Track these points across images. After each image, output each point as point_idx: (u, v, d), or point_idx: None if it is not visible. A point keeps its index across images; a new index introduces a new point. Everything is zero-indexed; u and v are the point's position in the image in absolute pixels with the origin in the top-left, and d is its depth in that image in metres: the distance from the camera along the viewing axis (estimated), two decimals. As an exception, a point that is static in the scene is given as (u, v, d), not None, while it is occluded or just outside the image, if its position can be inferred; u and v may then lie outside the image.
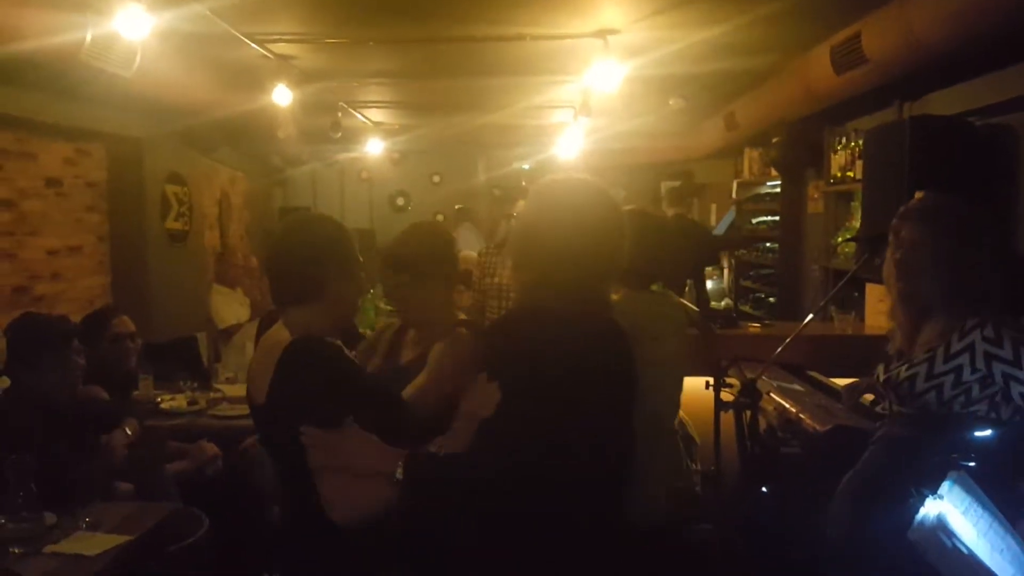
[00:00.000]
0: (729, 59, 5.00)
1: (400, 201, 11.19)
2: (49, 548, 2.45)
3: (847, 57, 3.96)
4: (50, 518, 2.57)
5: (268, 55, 4.87)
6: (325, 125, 6.88)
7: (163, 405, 4.06)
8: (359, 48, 5.00)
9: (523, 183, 10.32)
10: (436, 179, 11.20)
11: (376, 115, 8.04)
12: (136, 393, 4.04)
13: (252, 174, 9.02)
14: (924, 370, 2.29)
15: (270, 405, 1.85)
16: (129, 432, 3.26)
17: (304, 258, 1.90)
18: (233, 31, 4.31)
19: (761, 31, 4.30)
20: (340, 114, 6.81)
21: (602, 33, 4.26)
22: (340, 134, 6.86)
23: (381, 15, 4.28)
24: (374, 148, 8.96)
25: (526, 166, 10.48)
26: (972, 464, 2.12)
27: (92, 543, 2.49)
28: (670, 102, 6.24)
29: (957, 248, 2.32)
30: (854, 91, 4.27)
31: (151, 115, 5.68)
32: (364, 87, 6.52)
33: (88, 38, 3.57)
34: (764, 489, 3.20)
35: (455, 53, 5.03)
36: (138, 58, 3.90)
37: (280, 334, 1.90)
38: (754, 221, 7.84)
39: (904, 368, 2.37)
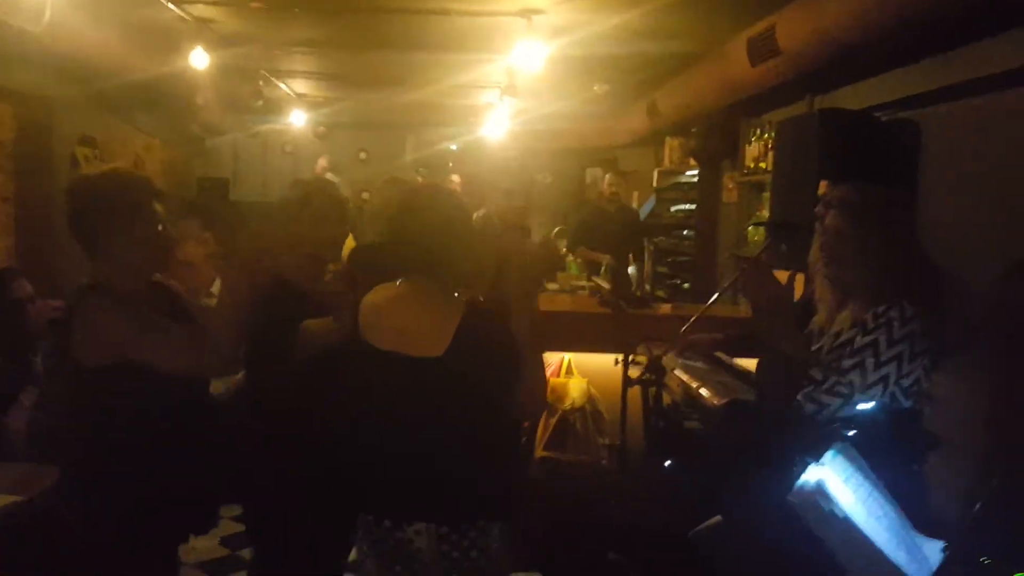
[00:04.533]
0: (650, 43, 5.08)
1: (330, 177, 11.03)
2: (-66, 509, 2.37)
3: (762, 49, 4.07)
4: (-64, 478, 2.48)
5: (186, 16, 4.74)
6: (246, 93, 6.74)
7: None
8: (282, 14, 4.91)
9: (450, 164, 10.31)
10: (363, 156, 11.07)
11: (300, 86, 7.90)
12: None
13: (170, 142, 8.76)
14: (848, 349, 2.36)
15: None
16: (27, 404, 3.16)
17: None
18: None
19: (681, 17, 4.38)
20: (261, 83, 6.67)
21: (526, 12, 4.29)
22: (261, 103, 6.73)
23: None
24: (298, 120, 8.80)
25: (453, 147, 10.46)
26: (854, 434, 2.23)
27: (-20, 504, 2.42)
28: (595, 87, 6.31)
29: (877, 235, 2.41)
30: (768, 83, 4.40)
31: (63, 74, 5.46)
32: (288, 56, 6.40)
33: (-7, -12, 3.43)
34: (667, 463, 3.29)
35: (381, 25, 4.98)
36: (47, 12, 3.76)
37: None
38: (673, 209, 7.99)
39: (819, 343, 2.47)
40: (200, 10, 4.76)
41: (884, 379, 2.27)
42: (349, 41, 5.66)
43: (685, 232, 7.55)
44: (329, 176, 10.34)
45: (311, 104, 8.66)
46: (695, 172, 7.26)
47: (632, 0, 4.13)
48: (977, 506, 2.31)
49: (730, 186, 6.36)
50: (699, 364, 3.82)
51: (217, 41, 5.14)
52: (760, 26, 4.09)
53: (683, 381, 3.55)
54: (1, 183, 5.56)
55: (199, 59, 4.97)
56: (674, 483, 3.20)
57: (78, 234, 2.19)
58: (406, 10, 4.53)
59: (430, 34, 5.06)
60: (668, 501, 3.30)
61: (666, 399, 3.49)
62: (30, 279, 3.99)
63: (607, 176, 6.92)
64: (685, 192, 7.82)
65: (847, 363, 2.29)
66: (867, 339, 2.29)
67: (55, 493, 2.46)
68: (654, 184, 8.44)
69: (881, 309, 2.29)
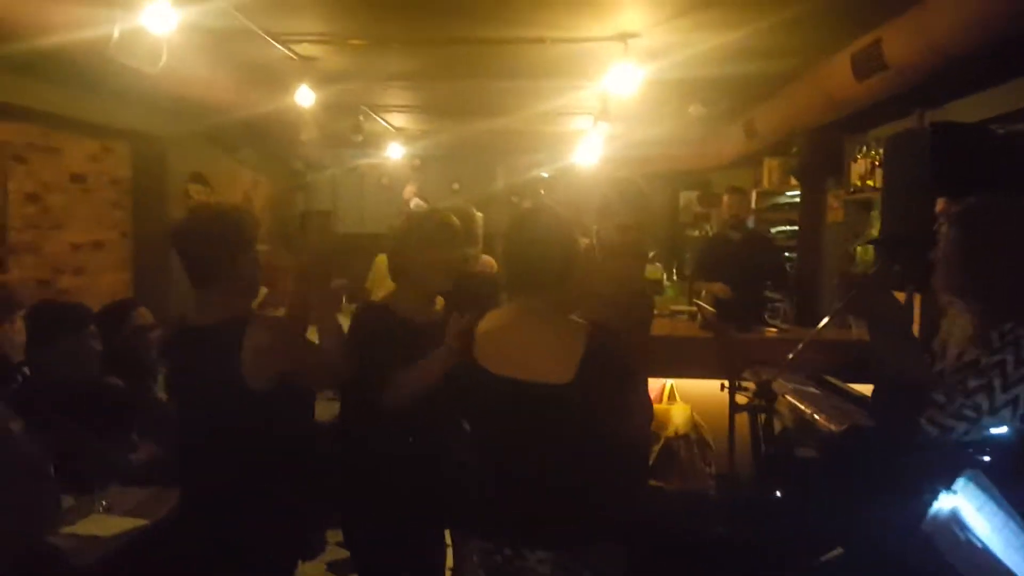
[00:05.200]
0: (748, 64, 5.00)
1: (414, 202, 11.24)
2: (66, 529, 2.47)
3: (868, 63, 3.95)
4: (67, 500, 2.59)
5: (292, 55, 4.92)
6: (346, 129, 6.94)
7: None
8: (381, 49, 5.05)
9: (541, 191, 10.36)
10: (455, 187, 11.23)
11: (397, 119, 8.09)
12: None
13: (274, 177, 9.10)
14: (973, 369, 2.25)
15: None
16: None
17: None
18: (257, 30, 4.37)
19: (781, 36, 4.30)
20: (362, 117, 6.86)
21: (622, 36, 4.28)
22: (362, 137, 6.92)
23: (402, 15, 4.32)
24: (394, 153, 9.01)
25: (545, 174, 10.51)
26: (987, 459, 2.10)
27: (107, 525, 2.52)
28: (689, 109, 6.23)
29: (1001, 249, 2.29)
30: (875, 98, 4.26)
31: (175, 113, 5.75)
32: (385, 90, 6.57)
33: (116, 33, 3.62)
34: (779, 492, 3.18)
35: (475, 55, 5.06)
36: (164, 55, 3.96)
37: None
38: (774, 231, 7.81)
39: (950, 364, 2.36)
40: (305, 49, 4.94)
41: (1014, 401, 2.14)
42: (444, 72, 5.77)
43: (787, 253, 7.35)
44: (416, 202, 10.55)
45: (407, 137, 8.87)
46: (796, 192, 7.09)
47: (730, 21, 4.08)
48: None
49: (835, 205, 6.17)
50: (811, 389, 3.70)
51: (320, 78, 5.32)
52: (865, 40, 3.97)
53: (795, 406, 3.44)
54: (119, 219, 5.87)
55: (305, 97, 5.15)
56: (787, 513, 3.08)
57: (200, 262, 2.34)
58: (502, 40, 4.59)
59: (524, 63, 5.11)
60: (780, 532, 3.18)
61: (776, 425, 3.38)
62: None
63: (724, 197, 5.98)
64: (786, 213, 7.64)
65: (973, 383, 2.17)
66: (994, 359, 2.16)
67: (176, 517, 2.56)
68: (752, 205, 8.27)
69: (1008, 327, 2.17)
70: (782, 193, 7.69)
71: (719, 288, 5.52)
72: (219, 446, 2.33)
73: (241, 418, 2.28)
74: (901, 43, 3.66)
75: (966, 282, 2.32)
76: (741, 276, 5.44)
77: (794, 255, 7.02)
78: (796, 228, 7.03)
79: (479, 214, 3.94)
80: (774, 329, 4.70)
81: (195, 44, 4.53)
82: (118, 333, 3.83)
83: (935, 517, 1.79)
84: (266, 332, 2.26)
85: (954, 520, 1.77)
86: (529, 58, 4.97)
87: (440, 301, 2.68)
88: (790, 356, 3.54)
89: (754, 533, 3.42)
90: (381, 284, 4.80)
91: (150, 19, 3.47)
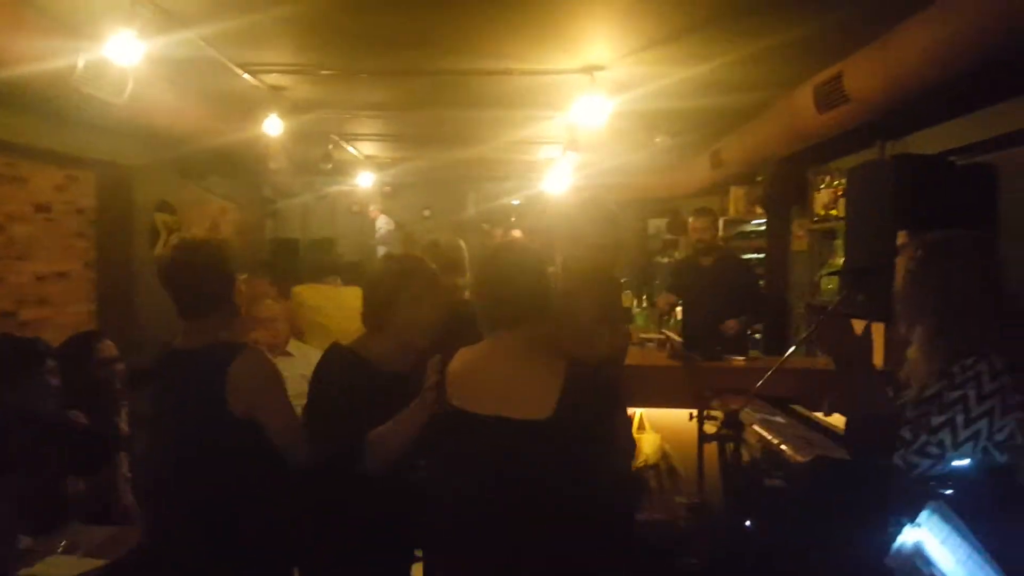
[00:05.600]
0: (714, 96, 5.07)
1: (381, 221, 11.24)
2: (23, 572, 2.41)
3: (829, 96, 4.03)
4: (25, 541, 2.54)
5: (260, 85, 4.92)
6: (316, 157, 6.93)
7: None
8: (350, 80, 5.06)
9: (512, 218, 10.40)
10: (427, 213, 11.26)
11: (367, 148, 8.10)
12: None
13: (243, 205, 9.05)
14: (935, 404, 2.27)
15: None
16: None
17: None
18: (225, 61, 4.36)
19: (746, 70, 4.38)
20: (331, 146, 6.86)
21: (588, 69, 4.33)
22: (331, 166, 6.92)
23: (372, 47, 4.34)
24: (365, 181, 9.02)
25: (516, 201, 10.57)
26: (950, 492, 2.13)
27: (66, 567, 2.46)
28: (656, 139, 6.31)
29: (959, 282, 2.33)
30: (837, 129, 4.34)
31: (142, 142, 5.71)
32: (355, 119, 6.58)
33: (80, 64, 3.60)
34: (747, 523, 3.19)
35: (444, 85, 5.09)
36: (130, 85, 3.93)
37: None
38: (744, 256, 7.89)
39: (903, 397, 2.38)
40: (274, 79, 4.94)
41: (976, 435, 2.17)
42: (413, 102, 5.80)
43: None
44: (383, 221, 10.54)
45: (378, 165, 8.87)
46: (761, 221, 7.18)
47: (696, 55, 4.14)
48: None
49: (799, 234, 6.26)
50: (778, 418, 3.72)
51: (290, 107, 5.32)
52: (827, 74, 4.05)
53: (762, 436, 3.46)
54: (83, 249, 5.79)
55: (273, 126, 5.14)
56: (756, 544, 3.09)
57: (191, 293, 2.41)
58: (470, 71, 4.62)
59: (493, 93, 5.15)
60: (750, 562, 3.19)
61: (745, 455, 3.40)
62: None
63: (690, 220, 5.72)
64: (752, 240, 7.73)
65: (936, 421, 2.20)
66: (956, 394, 2.19)
67: (139, 555, 2.51)
68: (720, 233, 8.36)
69: (969, 362, 2.20)
70: (748, 221, 7.79)
71: (664, 299, 5.51)
72: (197, 472, 2.32)
73: (220, 442, 2.29)
74: (861, 77, 3.74)
75: (927, 315, 2.36)
76: (714, 300, 5.26)
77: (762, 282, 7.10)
78: (762, 256, 7.11)
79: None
80: (741, 359, 4.73)
81: (162, 74, 4.51)
82: (82, 366, 3.77)
83: (899, 551, 1.81)
84: (256, 362, 2.33)
85: (917, 554, 1.79)
86: (498, 88, 5.02)
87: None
88: (758, 384, 3.59)
89: (725, 563, 3.43)
90: (308, 321, 4.72)
91: (115, 50, 3.45)
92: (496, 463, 2.00)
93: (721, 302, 5.24)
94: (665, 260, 9.98)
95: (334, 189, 10.09)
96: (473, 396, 2.06)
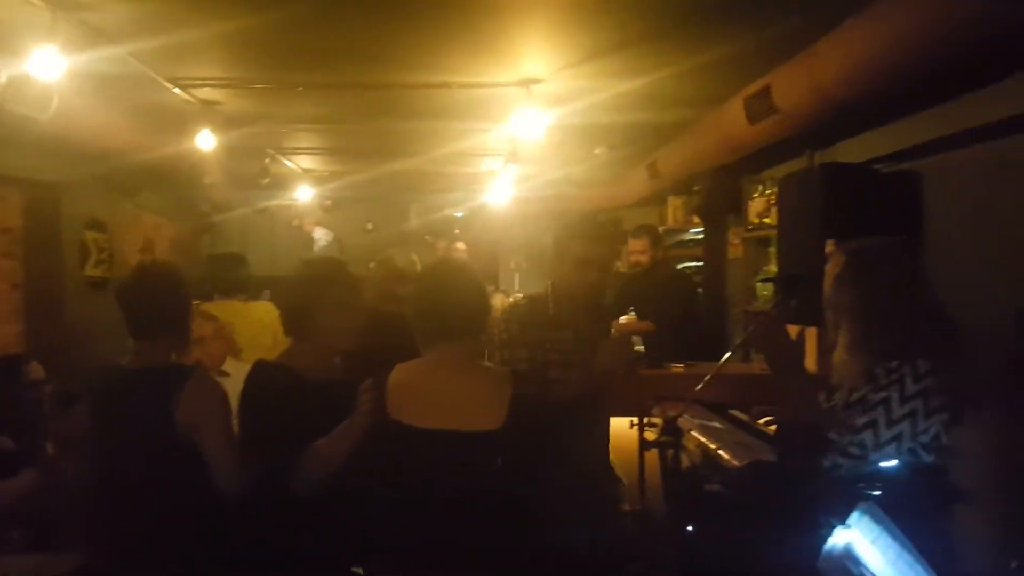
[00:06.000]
0: (651, 110, 5.15)
1: (336, 248, 11.12)
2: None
3: (759, 108, 4.12)
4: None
5: (192, 99, 4.84)
6: (254, 171, 6.84)
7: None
8: (285, 93, 5.01)
9: (456, 230, 10.39)
10: (369, 226, 11.18)
11: (306, 161, 8.02)
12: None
13: (178, 221, 8.87)
14: (861, 406, 2.33)
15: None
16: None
17: None
18: (155, 75, 4.28)
19: (680, 83, 4.45)
20: (268, 160, 6.78)
21: (525, 82, 4.36)
22: (268, 180, 6.83)
23: (307, 60, 4.30)
24: (304, 195, 8.92)
25: (459, 213, 10.56)
26: (878, 493, 2.18)
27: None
28: (596, 151, 6.38)
29: (884, 288, 2.40)
30: (767, 140, 4.44)
31: (69, 159, 5.56)
32: (293, 133, 6.51)
33: (3, 80, 3.50)
34: (689, 527, 3.23)
35: (382, 99, 5.08)
36: (55, 101, 3.83)
37: None
38: (679, 267, 8.01)
39: (832, 400, 2.44)
40: (206, 93, 4.86)
41: (898, 437, 2.24)
42: (351, 115, 5.76)
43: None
44: (321, 234, 10.43)
45: (317, 178, 8.79)
46: (699, 230, 7.29)
47: (631, 69, 4.20)
48: (1015, 564, 2.26)
49: (735, 242, 6.38)
50: (716, 424, 3.78)
51: (223, 122, 5.24)
52: (756, 86, 4.15)
53: (701, 442, 3.51)
54: (10, 269, 5.61)
55: (206, 141, 5.05)
56: (697, 548, 3.13)
57: (145, 316, 2.44)
58: (407, 84, 4.61)
59: (433, 105, 5.15)
60: (692, 567, 3.23)
61: (684, 461, 3.44)
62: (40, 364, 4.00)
63: (629, 240, 5.77)
64: (690, 249, 7.85)
65: (859, 421, 2.26)
66: (879, 396, 2.26)
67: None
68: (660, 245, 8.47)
69: (894, 365, 2.27)
70: (686, 230, 7.91)
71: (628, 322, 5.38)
72: (142, 494, 2.29)
73: (167, 463, 2.27)
74: (788, 89, 3.84)
75: (853, 320, 2.43)
76: (656, 313, 5.32)
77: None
78: (701, 264, 7.23)
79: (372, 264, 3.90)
80: (680, 366, 4.80)
81: (89, 89, 4.40)
82: (8, 389, 3.67)
83: (830, 552, 1.85)
84: (207, 386, 2.35)
85: (847, 555, 1.83)
86: (436, 101, 5.01)
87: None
88: (697, 388, 3.64)
89: (668, 568, 3.46)
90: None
91: (38, 66, 3.36)
92: (444, 476, 2.01)
93: (663, 315, 5.36)
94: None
95: (274, 203, 9.95)
96: (417, 410, 2.06)
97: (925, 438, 2.27)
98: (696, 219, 7.17)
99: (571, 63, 4.11)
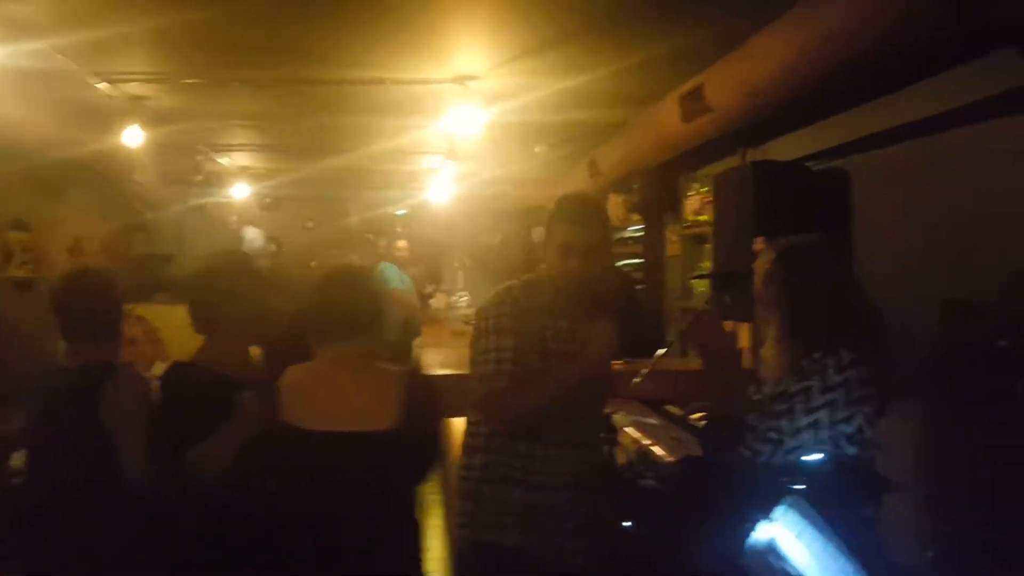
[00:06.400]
0: (589, 108, 5.17)
1: (272, 247, 10.92)
2: None
3: (692, 106, 4.16)
4: None
5: (118, 94, 4.70)
6: (186, 168, 6.69)
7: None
8: (217, 89, 4.90)
9: (398, 228, 10.30)
10: (310, 224, 11.01)
11: (242, 159, 7.87)
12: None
13: (109, 219, 8.61)
14: (778, 397, 2.36)
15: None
16: None
17: None
18: (79, 70, 4.15)
19: (617, 82, 4.48)
20: (201, 157, 6.62)
21: (461, 79, 4.33)
22: (201, 177, 6.67)
23: (238, 56, 4.22)
24: (241, 193, 8.75)
25: (401, 211, 10.48)
26: (803, 488, 2.21)
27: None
28: (536, 149, 6.38)
29: (810, 283, 2.43)
30: (701, 138, 4.49)
31: (-10, 156, 5.36)
32: (227, 129, 6.38)
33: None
34: (627, 523, 3.24)
35: (317, 94, 5.00)
36: (-28, 95, 3.69)
37: None
38: (621, 263, 8.04)
39: (760, 393, 2.47)
40: (134, 88, 4.73)
41: (814, 425, 2.27)
42: (287, 112, 5.67)
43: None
44: (252, 231, 10.26)
45: (254, 176, 8.63)
46: (639, 227, 7.34)
47: (567, 66, 4.21)
48: (930, 554, 2.31)
49: (673, 239, 6.44)
50: (652, 420, 3.81)
51: (152, 118, 5.09)
52: (690, 84, 4.18)
53: (636, 439, 3.54)
54: (-72, 271, 5.39)
55: (133, 137, 4.91)
56: (635, 544, 3.14)
57: (79, 318, 2.45)
58: (339, 80, 4.55)
59: (368, 101, 5.08)
60: (630, 562, 3.24)
61: (621, 457, 3.46)
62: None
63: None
64: (631, 246, 7.89)
65: (778, 408, 2.30)
66: (800, 385, 2.30)
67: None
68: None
69: (817, 356, 2.31)
70: (626, 228, 7.95)
71: None
72: (75, 497, 2.24)
73: (97, 464, 2.22)
74: (721, 87, 3.88)
75: (780, 315, 2.47)
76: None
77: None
78: (641, 261, 7.27)
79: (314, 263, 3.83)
80: (620, 362, 4.81)
81: (10, 84, 4.24)
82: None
83: (752, 548, 1.86)
84: (130, 383, 2.33)
85: (770, 550, 1.84)
86: (373, 97, 4.96)
87: (256, 352, 2.56)
88: (632, 384, 3.66)
89: (606, 563, 3.47)
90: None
91: (-50, 58, 3.22)
92: (338, 477, 1.99)
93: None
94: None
95: (210, 201, 9.73)
96: (309, 412, 2.05)
97: (848, 429, 2.31)
98: (636, 216, 7.21)
99: (506, 60, 4.09)
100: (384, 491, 2.01)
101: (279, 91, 4.99)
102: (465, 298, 9.75)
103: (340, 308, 2.17)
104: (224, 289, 2.35)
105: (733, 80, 3.75)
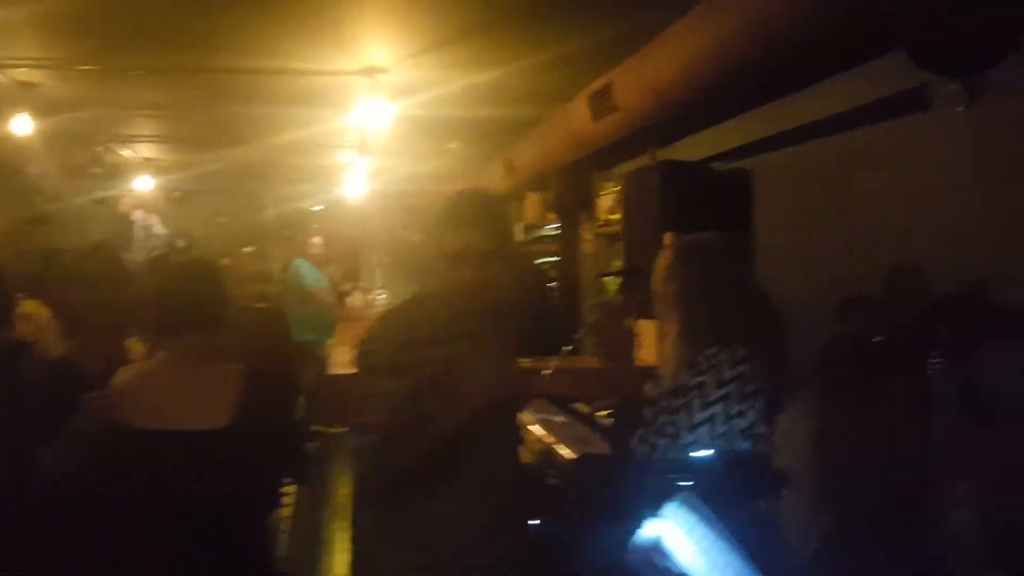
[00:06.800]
0: (501, 106, 5.15)
1: (181, 243, 10.58)
2: None
3: (601, 105, 4.17)
4: None
5: (5, 80, 4.46)
6: (85, 160, 6.41)
7: None
8: (116, 77, 4.71)
9: (314, 224, 10.11)
10: (222, 219, 10.71)
11: (146, 150, 7.59)
12: None
13: (6, 211, 8.19)
14: (674, 392, 2.37)
15: None
16: None
17: None
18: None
19: (528, 79, 4.46)
20: (101, 148, 6.36)
21: (370, 71, 4.24)
22: (101, 170, 6.41)
23: (135, 42, 4.06)
24: (145, 185, 8.46)
25: (318, 207, 10.29)
26: (695, 484, 2.22)
27: None
28: (451, 146, 6.32)
29: (708, 280, 2.45)
30: (611, 137, 4.50)
31: None
32: (128, 119, 6.14)
33: None
34: (534, 522, 3.22)
35: (221, 84, 4.85)
36: None
37: None
38: (538, 262, 8.05)
39: (658, 388, 2.47)
40: (23, 74, 4.50)
41: (711, 420, 2.28)
42: (190, 102, 5.48)
43: (551, 284, 7.58)
44: (139, 214, 9.93)
45: (160, 169, 8.35)
46: (557, 226, 7.36)
47: (478, 60, 4.17)
48: (813, 547, 2.35)
49: (588, 238, 6.47)
50: (558, 418, 3.81)
51: (45, 106, 4.86)
52: (599, 83, 4.19)
53: (540, 437, 3.52)
54: None
55: (22, 126, 4.67)
56: (540, 542, 3.13)
57: None
58: (243, 70, 4.41)
59: (274, 92, 4.95)
60: (536, 560, 3.22)
61: (527, 455, 3.44)
62: None
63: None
64: (548, 245, 7.90)
65: (675, 403, 2.31)
66: (696, 380, 2.31)
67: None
68: (518, 238, 8.50)
69: (712, 351, 2.32)
70: (543, 226, 7.97)
71: None
72: None
73: None
74: (628, 87, 3.90)
75: (679, 312, 2.48)
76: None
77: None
78: (558, 259, 7.30)
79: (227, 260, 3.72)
80: (528, 360, 4.79)
81: None
82: None
83: (638, 546, 1.85)
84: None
85: (655, 548, 1.84)
86: (278, 87, 4.83)
87: (137, 347, 2.47)
88: (539, 381, 3.64)
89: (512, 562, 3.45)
90: None
91: None
92: (171, 478, 1.92)
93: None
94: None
95: (114, 194, 9.36)
96: (140, 411, 1.98)
97: (741, 424, 2.33)
98: (553, 215, 7.23)
99: (414, 52, 4.03)
100: (216, 491, 1.93)
101: (181, 80, 4.82)
102: (383, 296, 9.62)
103: (181, 302, 2.09)
104: (84, 284, 2.29)
105: (639, 80, 3.77)
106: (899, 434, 2.45)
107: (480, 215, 2.13)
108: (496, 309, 2.15)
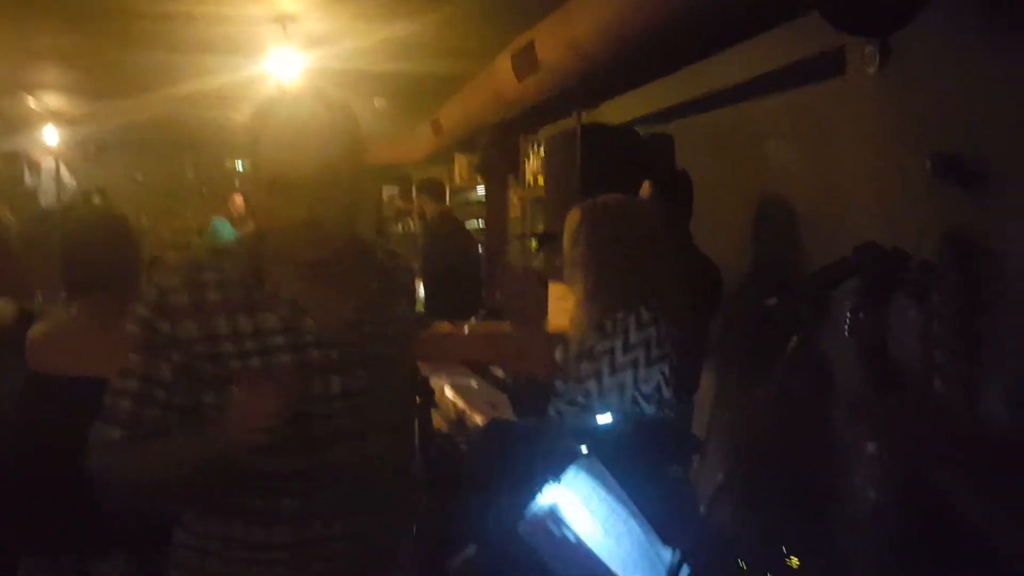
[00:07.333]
0: (423, 60, 4.99)
1: (96, 200, 10.15)
2: None
3: (524, 64, 4.07)
4: None
5: None
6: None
7: None
8: (11, 20, 4.40)
9: (236, 183, 9.80)
10: (139, 177, 10.32)
11: (54, 101, 7.19)
12: None
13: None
14: (583, 356, 2.33)
15: None
16: None
17: None
18: None
19: (450, 33, 4.33)
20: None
21: (280, 19, 4.05)
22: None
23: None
24: (52, 138, 8.05)
25: (241, 167, 9.96)
26: (599, 449, 2.17)
27: None
28: (374, 102, 6.14)
29: (615, 242, 2.40)
30: (534, 98, 4.41)
31: None
32: (29, 66, 5.78)
33: None
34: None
35: (126, 30, 4.57)
36: None
37: None
38: (468, 225, 7.93)
39: (567, 353, 2.42)
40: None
41: (621, 385, 2.26)
42: (97, 49, 5.17)
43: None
44: (67, 180, 9.53)
45: (69, 122, 7.93)
46: (484, 188, 7.26)
47: (393, 11, 4.00)
48: (702, 507, 2.33)
49: (515, 201, 6.39)
50: (471, 383, 3.73)
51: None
52: (521, 40, 4.08)
53: (453, 402, 3.44)
54: None
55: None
56: (453, 509, 3.07)
57: None
58: (152, 15, 4.16)
59: (183, 39, 4.69)
60: (450, 528, 3.17)
61: (439, 421, 3.37)
62: None
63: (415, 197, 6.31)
64: (476, 208, 7.80)
65: (585, 371, 2.27)
66: (604, 345, 2.27)
67: None
68: (446, 201, 8.36)
69: (620, 315, 2.28)
70: (473, 189, 7.85)
71: None
72: None
73: None
74: (549, 45, 3.80)
75: (585, 274, 2.42)
76: (436, 268, 5.61)
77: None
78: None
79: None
80: (448, 324, 4.71)
81: None
82: None
83: (532, 513, 1.79)
84: None
85: (550, 515, 1.77)
86: (187, 34, 4.56)
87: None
88: (451, 349, 3.55)
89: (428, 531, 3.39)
90: None
91: None
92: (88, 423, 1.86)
93: (439, 272, 5.60)
94: (400, 229, 9.88)
95: (21, 149, 8.92)
96: (58, 357, 2.06)
97: (647, 388, 2.30)
98: (480, 177, 7.12)
99: (327, 1, 3.84)
100: None
101: (88, 26, 4.54)
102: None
103: (90, 259, 2.13)
104: None
105: (561, 38, 3.67)
106: (805, 397, 2.44)
107: (307, 122, 1.40)
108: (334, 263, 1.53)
